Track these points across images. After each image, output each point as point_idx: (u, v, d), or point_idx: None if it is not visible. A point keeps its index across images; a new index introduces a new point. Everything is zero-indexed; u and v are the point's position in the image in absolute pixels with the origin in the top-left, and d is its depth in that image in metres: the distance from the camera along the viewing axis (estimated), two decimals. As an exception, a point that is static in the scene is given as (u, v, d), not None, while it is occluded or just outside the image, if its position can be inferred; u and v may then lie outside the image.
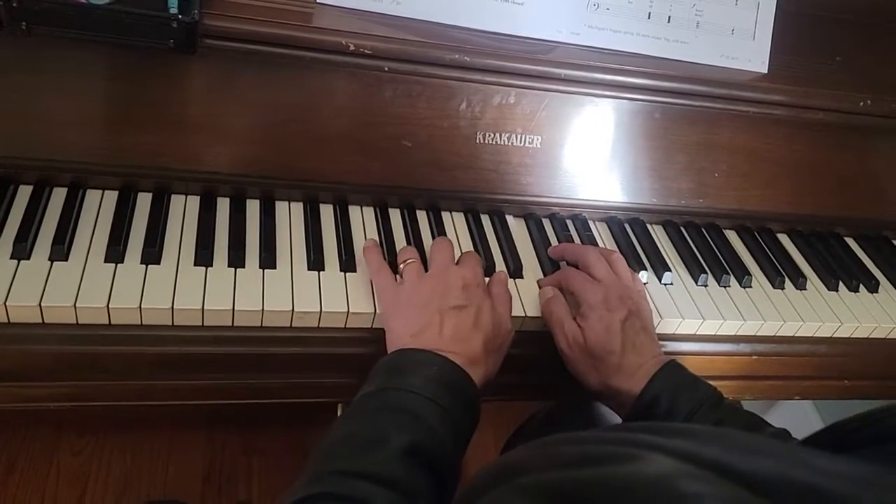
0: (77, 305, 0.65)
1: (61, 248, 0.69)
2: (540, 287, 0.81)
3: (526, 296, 0.79)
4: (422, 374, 0.61)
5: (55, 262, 0.68)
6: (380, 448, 0.55)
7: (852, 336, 0.90)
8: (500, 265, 0.82)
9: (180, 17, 0.66)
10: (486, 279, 0.75)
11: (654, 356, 0.72)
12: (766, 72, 0.90)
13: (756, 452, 0.34)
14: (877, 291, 0.95)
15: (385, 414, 0.58)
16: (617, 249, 0.88)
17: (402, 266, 0.73)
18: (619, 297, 0.74)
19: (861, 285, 0.95)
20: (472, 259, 0.75)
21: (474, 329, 0.67)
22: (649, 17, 0.85)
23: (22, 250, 0.68)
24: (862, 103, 0.90)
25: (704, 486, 0.30)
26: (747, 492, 0.30)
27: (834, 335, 0.89)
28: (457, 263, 0.74)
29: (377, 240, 0.80)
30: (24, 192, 0.75)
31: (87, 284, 0.67)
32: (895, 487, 0.31)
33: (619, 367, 0.71)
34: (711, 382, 0.71)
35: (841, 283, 0.94)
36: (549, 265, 0.84)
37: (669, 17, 0.86)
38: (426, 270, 0.73)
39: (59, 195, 0.76)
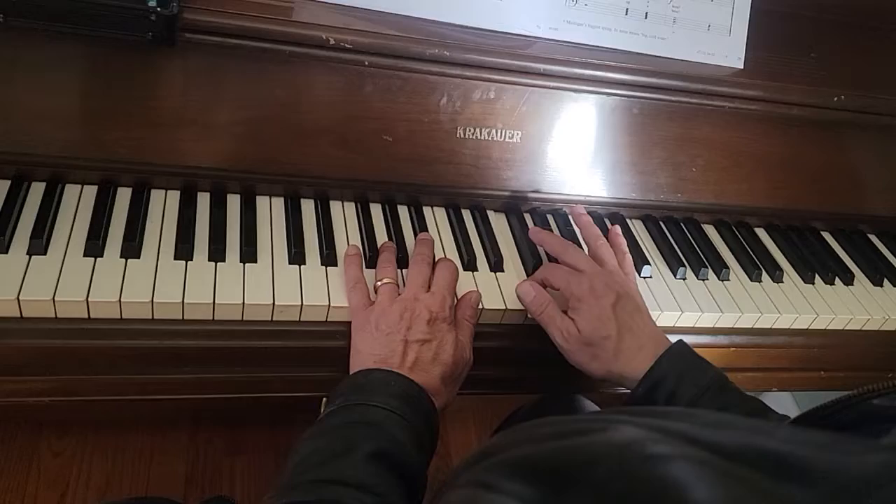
0: (56, 299, 0.65)
1: (40, 242, 0.69)
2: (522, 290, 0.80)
3: (506, 289, 0.80)
4: (383, 391, 0.63)
5: (33, 256, 0.68)
6: (347, 456, 0.57)
7: (828, 328, 0.91)
8: (481, 259, 0.83)
9: (159, 9, 0.66)
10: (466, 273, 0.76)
11: (651, 337, 0.73)
12: (742, 67, 0.91)
13: (723, 426, 0.35)
14: (852, 284, 0.96)
15: (349, 427, 0.60)
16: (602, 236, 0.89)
17: (378, 283, 0.74)
18: (605, 284, 0.74)
19: (837, 278, 0.96)
20: (444, 281, 0.75)
21: (433, 363, 0.69)
22: (626, 13, 0.86)
23: (-1, 244, 0.68)
24: (836, 98, 0.92)
25: (672, 447, 0.31)
26: (714, 455, 0.31)
27: (810, 327, 0.90)
28: (431, 276, 0.75)
29: (359, 245, 0.80)
30: (2, 187, 0.74)
31: (66, 278, 0.67)
32: (846, 450, 0.33)
33: (618, 351, 0.72)
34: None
35: (817, 276, 0.95)
36: (531, 259, 0.84)
37: (646, 14, 0.87)
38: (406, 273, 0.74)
39: (37, 190, 0.75)
